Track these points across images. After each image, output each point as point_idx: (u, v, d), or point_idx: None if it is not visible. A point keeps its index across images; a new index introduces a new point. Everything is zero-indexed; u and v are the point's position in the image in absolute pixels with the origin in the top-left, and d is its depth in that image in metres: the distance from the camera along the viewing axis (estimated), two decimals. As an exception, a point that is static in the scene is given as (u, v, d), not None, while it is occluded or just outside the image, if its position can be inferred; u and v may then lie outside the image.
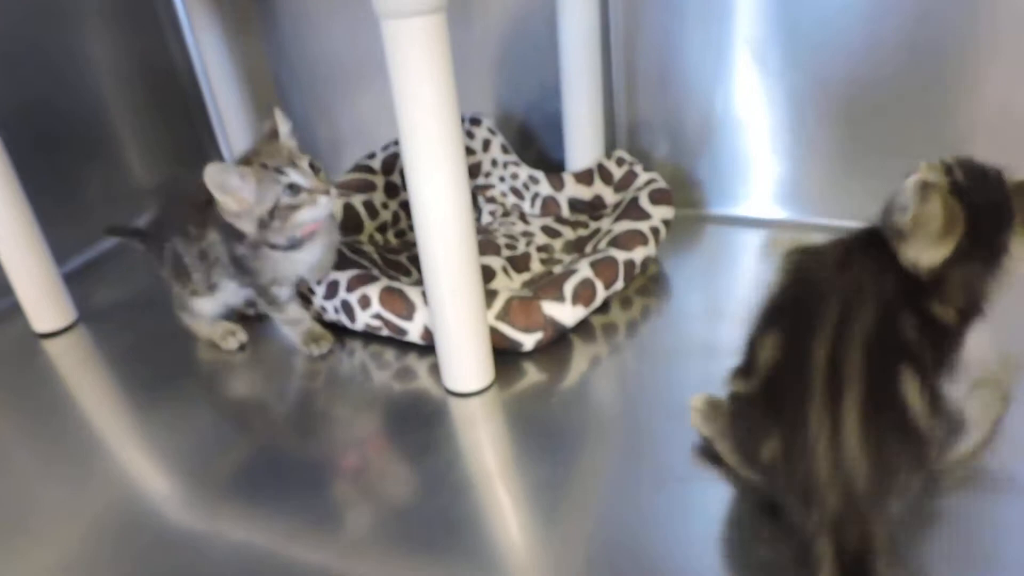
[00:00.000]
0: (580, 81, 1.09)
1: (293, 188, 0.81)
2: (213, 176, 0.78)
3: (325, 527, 0.71)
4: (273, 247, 0.85)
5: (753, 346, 0.62)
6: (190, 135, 1.49)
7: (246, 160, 0.83)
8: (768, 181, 1.13)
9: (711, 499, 0.69)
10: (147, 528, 0.73)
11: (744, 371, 0.62)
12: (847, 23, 1.00)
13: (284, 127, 0.85)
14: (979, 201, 0.56)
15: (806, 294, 0.58)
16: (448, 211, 0.74)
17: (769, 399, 0.58)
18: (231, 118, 1.40)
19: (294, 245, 0.86)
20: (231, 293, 0.96)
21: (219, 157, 1.51)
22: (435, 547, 0.67)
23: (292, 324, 0.94)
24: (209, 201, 0.83)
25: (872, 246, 0.59)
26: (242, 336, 0.99)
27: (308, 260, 0.89)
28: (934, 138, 1.01)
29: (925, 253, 0.56)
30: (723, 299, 0.98)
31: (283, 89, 1.43)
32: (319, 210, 0.82)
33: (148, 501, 0.77)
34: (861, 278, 0.57)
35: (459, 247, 0.76)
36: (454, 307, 0.79)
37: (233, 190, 0.80)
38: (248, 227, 0.83)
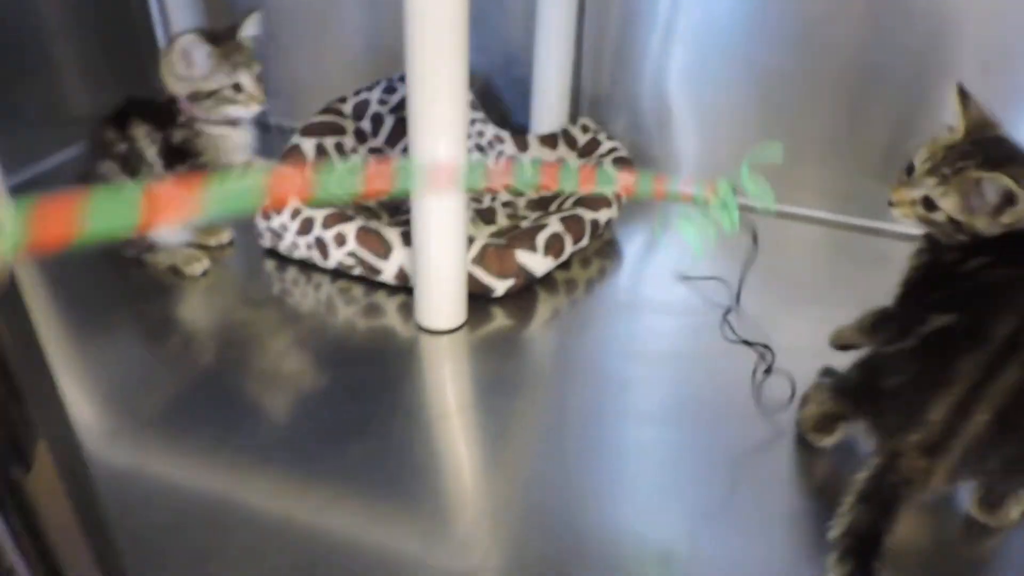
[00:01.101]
0: (553, 48, 1.14)
1: (237, 87, 0.93)
2: (185, 43, 0.90)
3: (267, 463, 0.72)
4: (212, 122, 0.94)
5: (911, 315, 0.67)
6: (134, 62, 1.44)
7: (213, 39, 0.92)
8: (716, 162, 1.21)
9: (649, 440, 0.76)
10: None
11: (898, 332, 0.67)
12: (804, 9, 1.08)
13: (251, 31, 0.94)
14: None
15: (989, 286, 0.64)
16: (443, 153, 0.77)
17: (928, 352, 0.64)
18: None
19: (231, 123, 0.96)
20: None
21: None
22: (386, 485, 0.70)
23: None
24: (125, 109, 0.93)
25: None
26: (206, 263, 0.99)
27: (242, 139, 0.98)
28: (887, 128, 1.11)
29: None
30: (671, 266, 1.05)
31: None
32: (246, 112, 0.95)
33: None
34: None
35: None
36: (439, 244, 0.82)
37: (194, 61, 0.90)
38: (180, 90, 0.92)
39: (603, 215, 1.02)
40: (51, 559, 0.36)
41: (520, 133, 1.21)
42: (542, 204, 1.11)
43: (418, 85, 0.74)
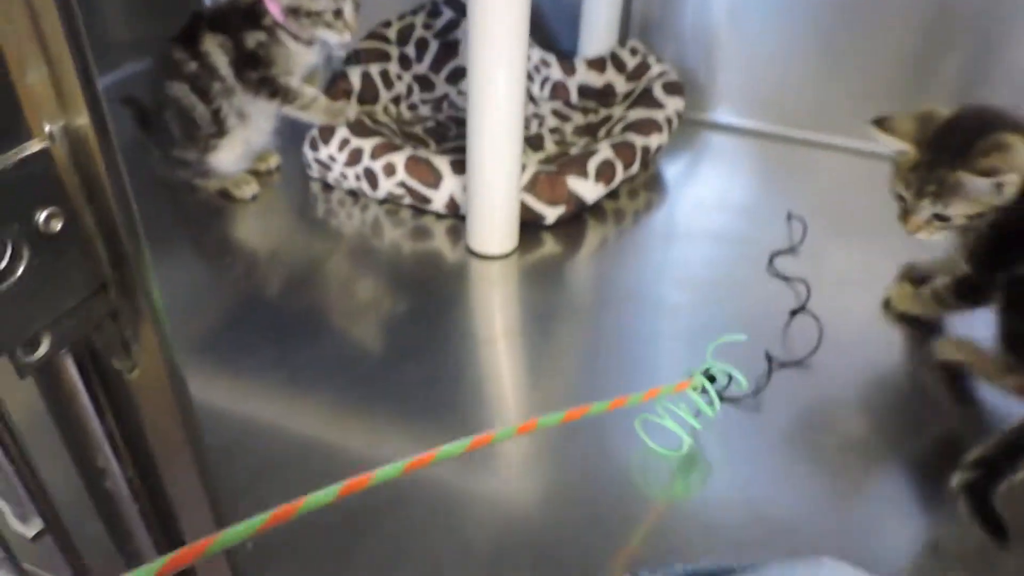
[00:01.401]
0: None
1: (338, 14, 0.91)
2: None
3: (323, 385, 0.72)
4: (296, 38, 0.93)
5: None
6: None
7: None
8: (762, 94, 1.17)
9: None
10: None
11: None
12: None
13: None
14: None
15: None
16: (503, 78, 0.76)
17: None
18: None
19: (311, 41, 0.95)
20: (252, 129, 0.97)
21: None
22: (440, 408, 0.70)
23: (309, 106, 0.97)
24: (193, 24, 0.93)
25: None
26: (256, 186, 1.00)
27: (314, 59, 0.97)
28: (919, 64, 1.07)
29: None
30: (717, 196, 1.04)
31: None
32: (335, 39, 0.94)
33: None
34: None
35: (508, 113, 0.78)
36: (493, 170, 0.82)
37: None
38: (276, 5, 0.91)
39: (654, 141, 1.00)
40: (150, 466, 0.38)
41: (567, 57, 1.19)
42: (590, 130, 1.10)
43: (479, 13, 0.72)
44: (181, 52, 0.93)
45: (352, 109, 1.00)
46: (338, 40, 0.94)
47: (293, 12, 0.91)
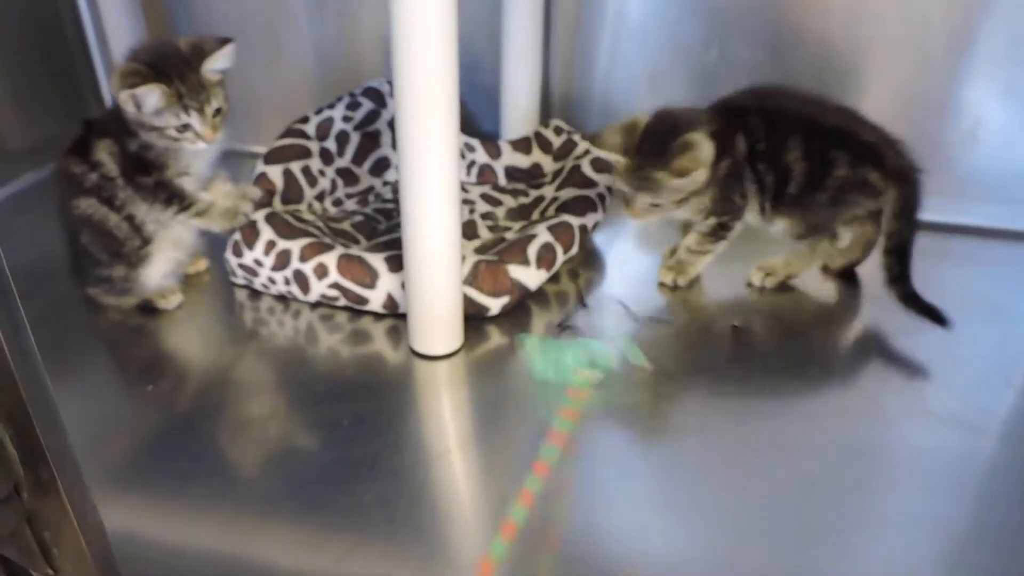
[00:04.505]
0: (522, 47, 1.10)
1: (185, 128, 0.84)
2: (138, 92, 0.81)
3: (275, 516, 0.67)
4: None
5: None
6: (72, 90, 1.37)
7: (173, 65, 0.83)
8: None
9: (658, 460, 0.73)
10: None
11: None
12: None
13: (222, 64, 0.86)
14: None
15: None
16: (436, 169, 0.73)
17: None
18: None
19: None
20: (175, 233, 0.91)
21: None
22: (386, 532, 0.66)
23: (205, 213, 0.91)
24: (84, 134, 0.87)
25: None
26: (180, 296, 0.95)
27: (208, 154, 0.90)
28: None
29: None
30: (653, 268, 1.03)
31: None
32: (195, 148, 0.87)
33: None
34: None
35: (444, 206, 0.75)
36: (432, 266, 0.78)
37: (142, 103, 0.82)
38: (128, 114, 0.84)
39: (590, 219, 0.99)
40: None
41: (490, 140, 1.18)
42: (522, 212, 1.08)
43: (408, 98, 0.70)
44: (78, 164, 0.87)
45: (248, 204, 0.95)
46: (194, 148, 0.86)
47: (139, 125, 0.84)
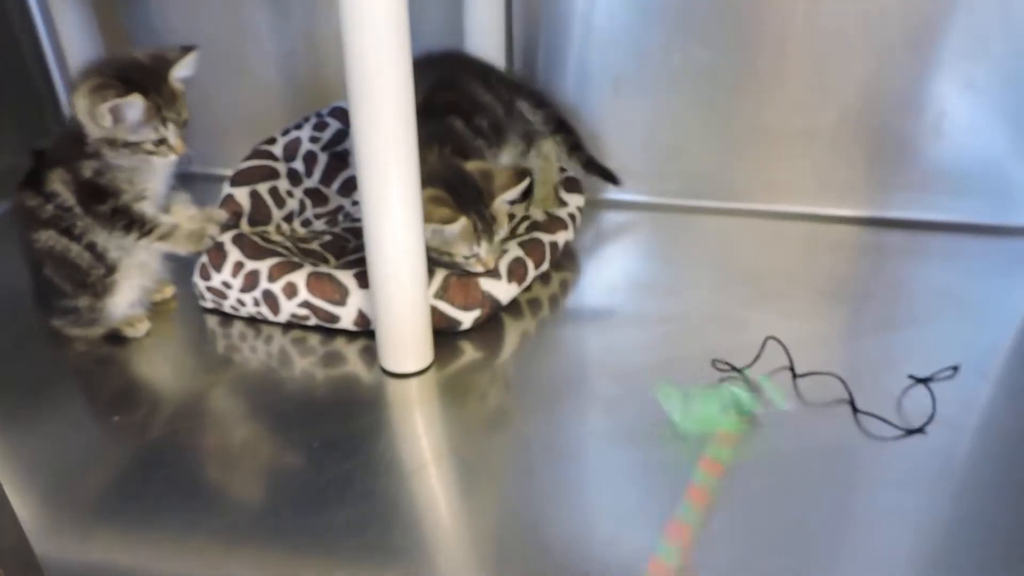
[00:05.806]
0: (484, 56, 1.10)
1: (161, 142, 0.83)
2: (120, 103, 0.79)
3: (245, 545, 0.65)
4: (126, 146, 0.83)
5: None
6: (34, 121, 1.35)
7: (146, 76, 0.81)
8: (653, 171, 1.19)
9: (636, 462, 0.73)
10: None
11: None
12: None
13: (185, 72, 0.84)
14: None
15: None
16: (396, 187, 0.72)
17: None
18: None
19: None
20: (140, 259, 0.90)
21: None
22: (362, 555, 0.64)
23: (169, 236, 0.89)
24: (36, 166, 0.85)
25: None
26: (147, 324, 0.93)
27: (163, 174, 0.88)
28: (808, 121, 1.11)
29: None
30: (627, 275, 1.03)
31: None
32: (164, 161, 0.85)
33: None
34: None
35: (406, 223, 0.75)
36: (398, 285, 0.77)
37: (124, 118, 0.80)
38: (95, 133, 0.81)
39: (560, 237, 0.99)
40: None
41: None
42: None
43: (363, 114, 0.69)
44: (33, 198, 0.85)
45: (214, 227, 0.93)
46: (163, 162, 0.85)
47: (109, 143, 0.82)
